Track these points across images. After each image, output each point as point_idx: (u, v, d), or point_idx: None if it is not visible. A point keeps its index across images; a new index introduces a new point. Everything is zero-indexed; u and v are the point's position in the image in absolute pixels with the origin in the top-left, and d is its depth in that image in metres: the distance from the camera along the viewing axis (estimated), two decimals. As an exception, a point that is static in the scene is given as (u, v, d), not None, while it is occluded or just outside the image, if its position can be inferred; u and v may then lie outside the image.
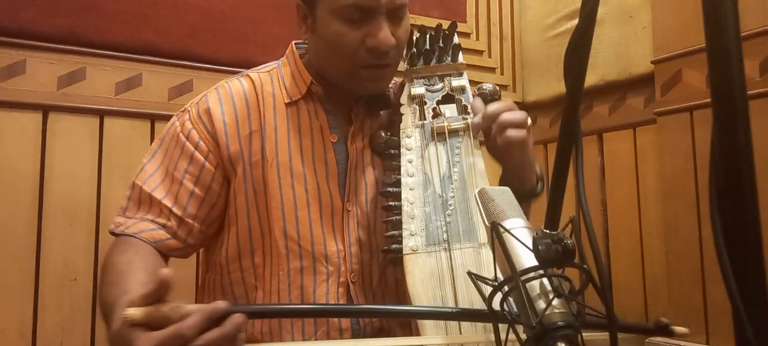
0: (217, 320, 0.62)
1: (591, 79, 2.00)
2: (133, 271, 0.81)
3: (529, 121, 0.90)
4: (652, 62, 1.82)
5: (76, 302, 1.40)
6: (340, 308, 0.88)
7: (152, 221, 0.90)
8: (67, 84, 1.45)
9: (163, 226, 0.90)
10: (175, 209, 0.91)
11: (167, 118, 1.59)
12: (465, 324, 0.74)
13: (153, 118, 1.55)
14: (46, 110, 1.43)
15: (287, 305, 0.92)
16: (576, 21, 0.58)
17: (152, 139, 1.54)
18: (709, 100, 0.46)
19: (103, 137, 1.49)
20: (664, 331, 0.66)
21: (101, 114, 1.49)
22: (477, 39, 2.27)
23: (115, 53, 1.51)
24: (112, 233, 0.92)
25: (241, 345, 0.64)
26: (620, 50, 1.97)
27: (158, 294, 0.61)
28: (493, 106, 0.90)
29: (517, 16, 2.37)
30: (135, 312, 0.60)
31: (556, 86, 2.17)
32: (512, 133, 0.87)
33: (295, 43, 1.03)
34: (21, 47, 1.40)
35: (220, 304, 0.63)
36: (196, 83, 1.59)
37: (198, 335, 0.60)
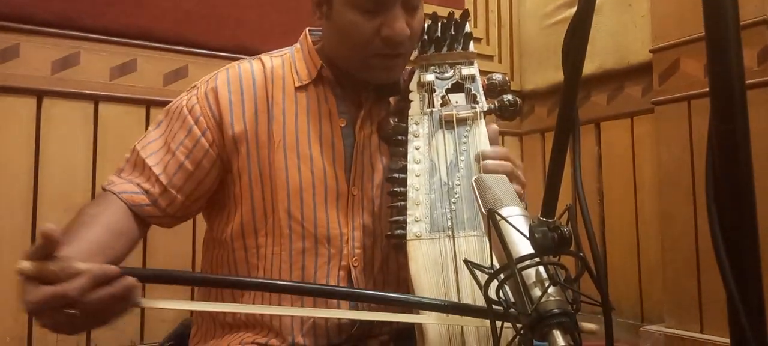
0: (107, 281, 0.65)
1: (589, 67, 1.99)
2: (91, 225, 0.84)
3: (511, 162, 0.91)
4: (651, 51, 1.81)
5: (72, 288, 1.40)
6: (243, 281, 0.90)
7: (138, 184, 0.92)
8: (61, 69, 1.44)
9: (146, 191, 0.92)
10: (161, 177, 0.92)
11: (162, 103, 1.58)
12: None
13: (148, 104, 1.54)
14: (40, 95, 1.42)
15: (184, 272, 0.95)
16: (574, 9, 0.57)
17: (147, 124, 1.54)
18: (706, 89, 0.46)
19: (97, 123, 1.48)
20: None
21: (96, 99, 1.48)
22: (475, 26, 2.26)
23: (110, 38, 1.50)
24: (103, 189, 0.94)
25: (134, 306, 0.67)
26: (618, 39, 1.97)
27: (46, 249, 0.64)
28: (487, 151, 0.90)
29: (516, 4, 2.36)
30: (27, 266, 0.62)
31: (554, 75, 2.17)
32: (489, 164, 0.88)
33: (309, 30, 1.03)
34: (15, 31, 1.39)
35: (111, 267, 0.66)
36: (191, 69, 1.58)
37: (84, 295, 0.63)
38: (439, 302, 0.75)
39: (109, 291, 0.65)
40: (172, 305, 0.87)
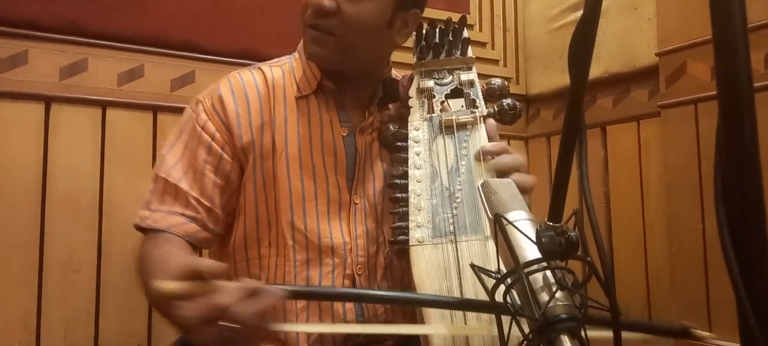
0: (255, 293, 0.63)
1: (595, 71, 1.99)
2: (173, 257, 0.82)
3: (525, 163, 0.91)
4: (657, 54, 1.81)
5: (80, 293, 1.41)
6: (365, 294, 0.89)
7: (181, 214, 0.91)
8: (69, 75, 1.45)
9: (193, 218, 0.91)
10: (203, 200, 0.92)
11: (169, 109, 1.61)
12: (470, 316, 0.75)
13: (155, 110, 1.55)
14: (48, 101, 1.43)
15: (326, 288, 0.93)
16: (580, 12, 0.57)
17: (155, 130, 1.54)
18: (713, 92, 0.45)
19: (105, 129, 1.49)
20: (685, 334, 0.65)
21: (103, 105, 1.49)
22: (480, 30, 2.26)
23: (117, 44, 1.51)
24: (139, 228, 0.92)
25: (274, 323, 0.66)
26: (624, 42, 1.96)
27: (194, 275, 0.62)
28: (489, 147, 0.90)
29: (521, 8, 2.36)
30: (172, 285, 0.61)
31: (560, 79, 2.16)
32: (517, 177, 0.86)
33: None
34: (23, 38, 1.40)
35: (255, 282, 0.65)
36: (198, 74, 1.59)
37: (238, 305, 0.61)
38: (444, 299, 0.75)
39: (260, 303, 0.63)
40: (302, 328, 0.87)
